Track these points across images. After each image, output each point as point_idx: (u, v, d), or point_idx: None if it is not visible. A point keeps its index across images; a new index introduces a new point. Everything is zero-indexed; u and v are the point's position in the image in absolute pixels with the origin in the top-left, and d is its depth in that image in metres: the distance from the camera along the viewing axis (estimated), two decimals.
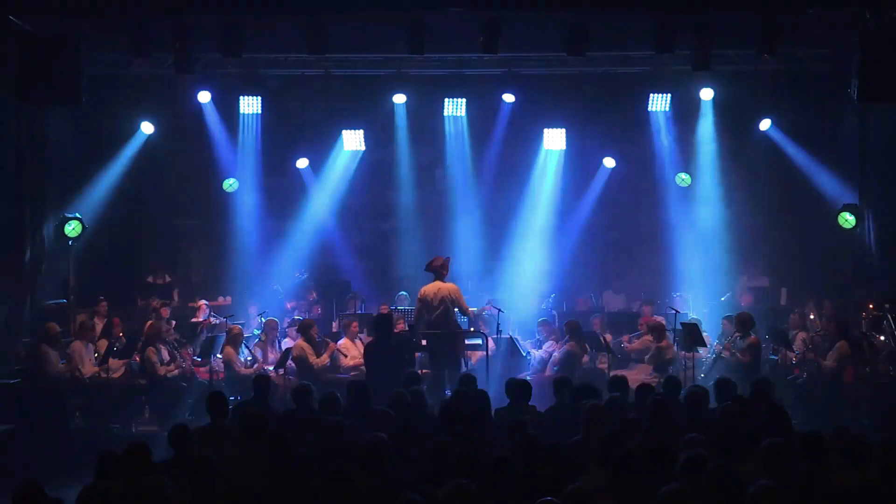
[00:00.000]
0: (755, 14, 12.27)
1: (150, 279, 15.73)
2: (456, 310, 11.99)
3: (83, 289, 14.68)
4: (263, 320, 13.37)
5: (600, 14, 12.43)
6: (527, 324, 14.04)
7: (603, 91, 15.58)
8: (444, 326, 11.82)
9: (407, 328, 12.43)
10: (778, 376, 12.01)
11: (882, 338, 12.65)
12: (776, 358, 12.47)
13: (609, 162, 16.26)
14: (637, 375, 11.81)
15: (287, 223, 16.39)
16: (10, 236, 13.60)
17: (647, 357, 12.49)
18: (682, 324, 12.67)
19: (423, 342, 11.83)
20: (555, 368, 12.22)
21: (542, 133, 16.00)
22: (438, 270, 11.99)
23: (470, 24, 12.63)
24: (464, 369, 11.71)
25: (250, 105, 15.45)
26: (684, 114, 15.77)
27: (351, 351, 12.88)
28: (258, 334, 13.20)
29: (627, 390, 8.74)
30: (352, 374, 12.28)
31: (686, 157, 15.99)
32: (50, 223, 14.18)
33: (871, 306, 13.52)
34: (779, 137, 15.52)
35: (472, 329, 12.56)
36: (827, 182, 15.17)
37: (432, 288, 11.93)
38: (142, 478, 6.16)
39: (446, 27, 12.88)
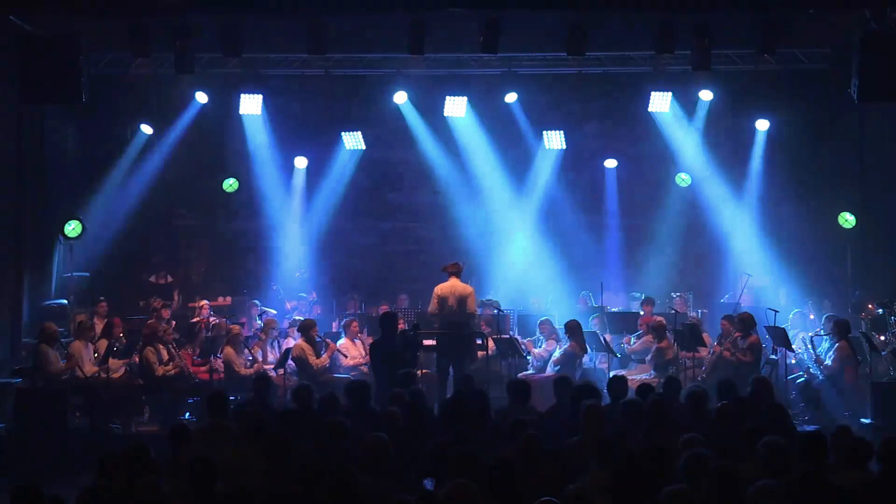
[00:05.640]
0: (755, 14, 12.27)
1: (151, 279, 15.73)
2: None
3: (83, 289, 14.68)
4: (263, 321, 13.37)
5: (600, 14, 12.43)
6: (527, 325, 14.01)
7: (603, 91, 15.58)
8: (458, 326, 11.87)
9: (408, 327, 12.44)
10: (778, 376, 12.02)
11: (882, 338, 12.66)
12: (776, 358, 12.47)
13: (610, 163, 16.26)
14: (637, 375, 11.84)
15: (287, 223, 16.38)
16: (11, 236, 13.60)
17: (647, 357, 12.50)
18: (682, 324, 12.67)
19: (427, 342, 11.85)
20: (555, 368, 12.22)
21: (541, 132, 15.99)
22: (453, 272, 12.10)
23: (470, 24, 12.63)
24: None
25: (250, 105, 15.43)
26: (684, 114, 15.76)
27: (351, 351, 12.88)
28: (258, 334, 13.20)
29: (627, 390, 8.75)
30: (352, 374, 12.28)
31: (686, 156, 15.98)
32: (50, 223, 14.17)
33: (870, 306, 13.53)
34: (778, 137, 15.51)
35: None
36: (827, 182, 15.17)
37: (448, 286, 12.02)
38: (142, 478, 6.16)
39: (446, 27, 12.89)
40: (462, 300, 11.93)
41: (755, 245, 15.63)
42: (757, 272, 14.94)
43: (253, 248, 16.28)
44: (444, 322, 11.89)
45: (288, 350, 12.35)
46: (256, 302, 14.81)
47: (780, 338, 12.12)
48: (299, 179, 16.43)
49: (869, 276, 14.61)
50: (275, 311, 14.43)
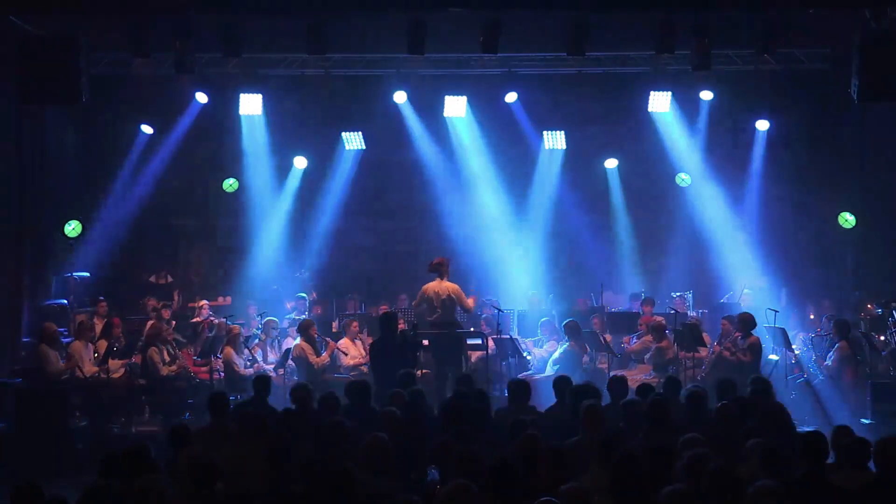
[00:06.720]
0: (755, 14, 12.28)
1: (151, 279, 15.73)
2: (458, 308, 12.11)
3: (83, 289, 14.68)
4: (263, 321, 13.36)
5: (600, 14, 12.44)
6: (527, 324, 14.01)
7: (603, 91, 15.57)
8: (447, 326, 11.88)
9: (408, 327, 12.45)
10: (778, 376, 12.03)
11: (882, 338, 12.66)
12: (776, 358, 12.47)
13: (610, 163, 16.26)
14: (637, 375, 11.85)
15: (286, 223, 16.38)
16: (11, 236, 13.60)
17: (647, 357, 12.50)
18: (682, 324, 12.67)
19: (426, 342, 11.87)
20: (555, 368, 12.22)
21: (542, 133, 15.99)
22: (439, 269, 12.10)
23: (470, 24, 12.64)
24: (463, 369, 11.75)
25: (250, 105, 15.43)
26: (684, 113, 15.76)
27: (351, 351, 12.89)
28: (258, 334, 13.20)
29: (627, 390, 8.75)
30: (352, 374, 12.29)
31: (686, 156, 15.97)
32: (50, 223, 14.16)
33: (870, 306, 13.53)
34: (778, 137, 15.52)
35: (472, 329, 12.59)
36: (826, 182, 15.17)
37: (434, 286, 12.05)
38: (142, 478, 6.16)
39: (446, 27, 12.88)
40: (447, 300, 11.94)
41: (755, 245, 15.62)
42: (757, 272, 14.95)
43: (252, 248, 16.26)
44: (431, 325, 11.90)
45: (288, 350, 12.36)
46: (270, 317, 14.69)
47: (780, 338, 12.13)
48: (299, 179, 16.43)
49: (869, 276, 14.61)
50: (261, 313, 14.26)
